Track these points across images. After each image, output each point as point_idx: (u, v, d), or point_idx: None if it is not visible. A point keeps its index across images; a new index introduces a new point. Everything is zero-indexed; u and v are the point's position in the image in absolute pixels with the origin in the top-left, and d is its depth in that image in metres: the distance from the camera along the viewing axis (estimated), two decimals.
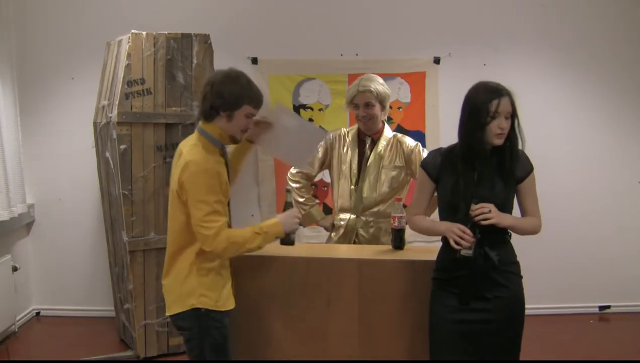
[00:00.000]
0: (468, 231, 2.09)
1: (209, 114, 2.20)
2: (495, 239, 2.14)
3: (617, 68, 4.20)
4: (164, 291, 2.29)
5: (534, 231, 2.22)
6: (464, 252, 2.09)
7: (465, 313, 2.17)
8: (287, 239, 2.44)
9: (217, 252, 2.15)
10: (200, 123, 2.25)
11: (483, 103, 2.09)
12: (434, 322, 2.26)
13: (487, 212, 2.07)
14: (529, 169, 2.20)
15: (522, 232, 2.20)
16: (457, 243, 2.10)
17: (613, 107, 4.24)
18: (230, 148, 2.37)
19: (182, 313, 2.20)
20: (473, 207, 2.10)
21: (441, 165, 2.24)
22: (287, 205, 2.54)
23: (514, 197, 2.22)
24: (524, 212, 2.24)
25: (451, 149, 2.24)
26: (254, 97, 2.21)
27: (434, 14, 4.17)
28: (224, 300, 2.24)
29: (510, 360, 2.21)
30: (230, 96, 2.16)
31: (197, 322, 2.19)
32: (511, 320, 2.18)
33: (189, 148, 2.21)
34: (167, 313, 2.26)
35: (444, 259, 2.25)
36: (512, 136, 2.14)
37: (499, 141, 2.11)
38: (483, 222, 2.07)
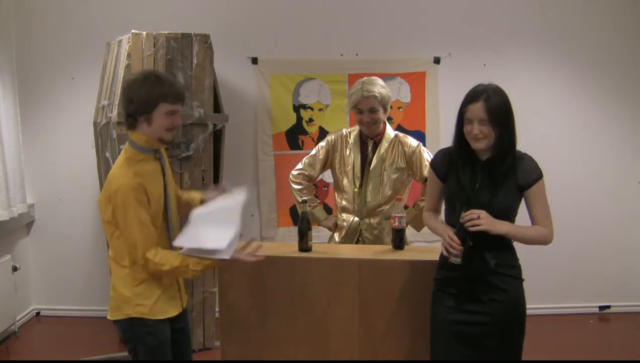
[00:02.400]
0: (456, 239, 2.09)
1: (129, 123, 2.14)
2: (494, 243, 2.13)
3: (617, 68, 4.19)
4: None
5: (540, 241, 2.17)
6: (452, 260, 2.12)
7: (463, 314, 2.17)
8: (306, 246, 2.58)
9: (152, 274, 2.16)
10: (129, 132, 2.18)
11: (461, 107, 2.15)
12: (433, 322, 2.27)
13: (476, 219, 2.06)
14: (535, 176, 2.16)
15: (523, 240, 2.16)
16: (446, 250, 2.12)
17: (613, 107, 4.23)
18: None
19: (120, 321, 2.21)
20: (463, 214, 2.10)
21: (448, 165, 2.25)
22: (303, 216, 2.58)
23: (517, 205, 2.19)
24: (532, 221, 2.20)
25: (458, 149, 2.23)
26: (167, 93, 2.10)
27: (434, 14, 4.17)
28: (160, 307, 2.21)
29: (510, 360, 2.20)
30: (140, 99, 2.08)
31: (131, 328, 2.20)
32: (510, 325, 2.17)
33: (117, 160, 2.20)
34: (109, 317, 2.25)
35: (443, 259, 2.25)
36: (500, 143, 2.11)
37: (476, 144, 2.12)
38: (472, 229, 2.07)
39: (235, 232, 2.17)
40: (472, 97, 2.12)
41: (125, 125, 2.18)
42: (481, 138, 2.10)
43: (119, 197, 2.07)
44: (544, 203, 2.18)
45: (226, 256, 2.12)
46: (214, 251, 2.13)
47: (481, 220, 2.06)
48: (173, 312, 2.27)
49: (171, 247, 2.23)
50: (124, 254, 2.15)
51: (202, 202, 2.39)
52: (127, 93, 2.12)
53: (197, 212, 2.24)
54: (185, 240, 2.17)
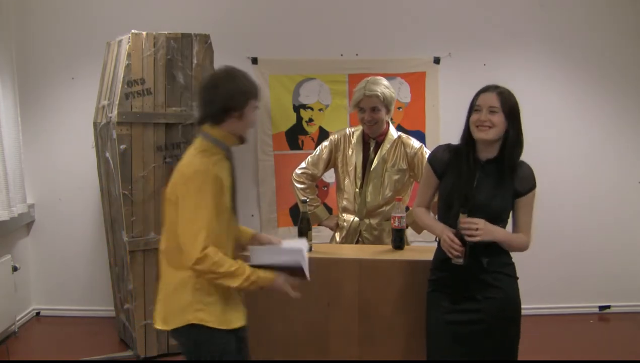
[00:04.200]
0: (456, 240, 2.09)
1: (219, 118, 2.08)
2: (488, 242, 2.11)
3: (617, 68, 4.19)
4: (157, 300, 2.15)
5: (520, 249, 2.21)
6: (454, 261, 2.12)
7: (458, 314, 2.18)
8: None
9: (196, 272, 2.00)
10: (202, 126, 2.13)
11: (473, 98, 2.17)
12: (428, 322, 2.27)
13: (474, 229, 2.06)
14: (531, 185, 2.18)
15: (509, 248, 2.19)
16: (449, 251, 2.12)
17: (613, 107, 4.23)
18: None
19: (179, 330, 2.06)
20: (462, 219, 2.09)
21: (447, 163, 2.24)
22: (304, 216, 2.58)
23: (511, 208, 2.20)
24: (515, 227, 2.22)
25: (459, 147, 2.23)
26: (255, 91, 2.12)
27: (434, 14, 4.17)
28: (227, 316, 2.07)
29: (510, 360, 2.20)
30: (240, 95, 2.07)
31: (195, 338, 2.04)
32: (505, 322, 2.17)
33: (188, 152, 2.12)
34: (162, 327, 2.10)
35: (437, 259, 2.26)
36: (508, 141, 2.13)
37: (479, 134, 2.12)
38: (469, 239, 2.07)
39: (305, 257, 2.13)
40: (486, 88, 2.16)
41: (208, 119, 2.10)
42: (488, 127, 2.10)
43: (197, 179, 1.97)
44: (531, 212, 2.21)
45: (305, 265, 2.10)
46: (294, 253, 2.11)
47: (479, 231, 2.06)
48: (238, 322, 2.11)
49: (233, 252, 2.14)
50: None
51: (252, 237, 2.33)
52: (226, 88, 2.06)
53: (258, 247, 2.23)
54: (258, 257, 2.13)
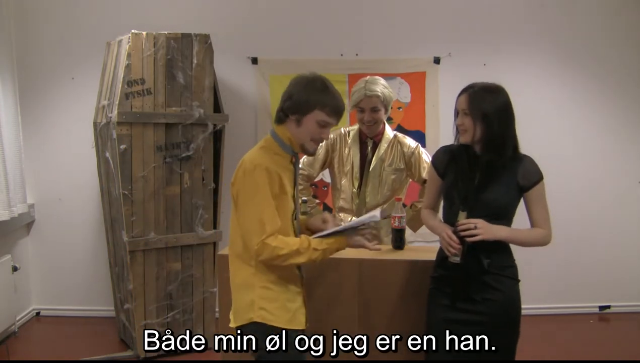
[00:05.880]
0: (454, 238, 2.09)
1: (279, 116, 2.08)
2: (489, 243, 2.10)
3: (617, 68, 4.20)
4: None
5: (539, 243, 2.18)
6: (452, 259, 2.12)
7: (457, 313, 2.17)
8: None
9: (264, 263, 2.01)
10: (273, 125, 2.13)
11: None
12: (428, 319, 2.28)
13: (472, 229, 2.05)
14: (536, 178, 2.15)
15: (522, 244, 2.17)
16: (447, 249, 2.12)
17: (613, 107, 4.24)
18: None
19: (243, 327, 2.06)
20: (460, 220, 2.09)
21: (448, 162, 2.25)
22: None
23: (515, 205, 2.19)
24: (531, 223, 2.20)
25: (459, 146, 2.23)
26: (327, 103, 2.01)
27: (434, 14, 4.17)
28: (290, 315, 2.05)
29: (509, 360, 2.20)
30: (299, 98, 2.01)
31: (257, 337, 2.02)
32: (504, 324, 2.16)
33: (253, 148, 2.11)
34: (232, 323, 2.12)
35: (440, 257, 2.26)
36: (486, 139, 2.10)
37: (460, 137, 2.15)
38: (469, 239, 2.06)
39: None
40: (464, 88, 2.15)
41: (276, 116, 2.11)
42: (462, 130, 2.13)
43: (253, 173, 1.96)
44: (543, 205, 2.18)
45: (377, 216, 2.09)
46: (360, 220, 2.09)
47: (478, 229, 2.06)
48: (299, 324, 2.09)
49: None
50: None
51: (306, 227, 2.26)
52: (290, 89, 2.06)
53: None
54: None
